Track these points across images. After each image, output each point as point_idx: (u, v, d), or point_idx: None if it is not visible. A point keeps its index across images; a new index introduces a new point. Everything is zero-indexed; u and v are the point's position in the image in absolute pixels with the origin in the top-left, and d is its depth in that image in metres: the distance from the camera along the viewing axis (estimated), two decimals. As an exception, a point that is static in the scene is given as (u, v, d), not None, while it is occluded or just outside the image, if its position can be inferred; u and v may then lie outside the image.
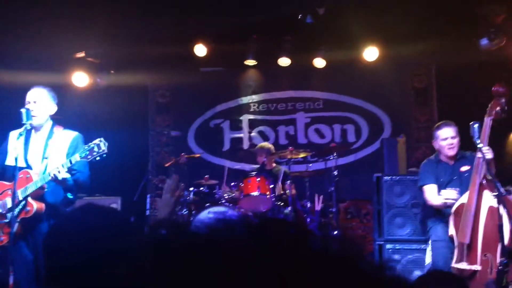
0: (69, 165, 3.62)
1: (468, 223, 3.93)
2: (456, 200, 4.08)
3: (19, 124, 3.76)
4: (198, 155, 7.04)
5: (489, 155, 3.96)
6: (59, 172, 3.58)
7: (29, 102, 3.83)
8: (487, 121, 4.02)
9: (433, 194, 4.40)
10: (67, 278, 1.39)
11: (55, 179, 3.60)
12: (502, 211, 3.65)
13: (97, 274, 1.37)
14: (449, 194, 4.15)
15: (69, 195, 3.82)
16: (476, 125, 3.92)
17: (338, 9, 6.02)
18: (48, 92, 3.93)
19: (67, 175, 3.64)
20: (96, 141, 3.62)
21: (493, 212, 3.78)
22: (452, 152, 4.39)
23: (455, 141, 4.37)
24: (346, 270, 0.67)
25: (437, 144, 4.47)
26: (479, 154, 3.94)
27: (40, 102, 3.85)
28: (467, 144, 4.33)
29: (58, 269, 1.41)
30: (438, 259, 4.31)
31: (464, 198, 4.05)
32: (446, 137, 4.37)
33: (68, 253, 1.39)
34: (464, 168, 4.37)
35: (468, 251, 3.92)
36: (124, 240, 1.43)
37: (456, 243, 4.02)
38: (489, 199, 3.86)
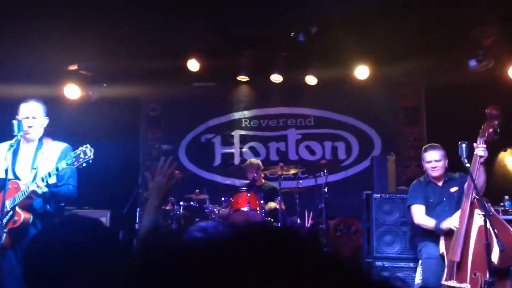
0: (55, 172, 3.64)
1: (459, 241, 3.96)
2: (451, 228, 4.09)
3: (6, 136, 3.76)
4: (187, 173, 6.98)
5: (481, 152, 3.99)
6: (38, 187, 3.59)
7: (27, 117, 3.84)
8: (480, 142, 4.07)
9: (420, 214, 4.51)
10: None
11: (34, 193, 3.61)
12: (490, 230, 3.68)
13: (74, 286, 1.36)
14: (451, 223, 4.14)
15: (48, 207, 3.81)
16: (464, 145, 3.98)
17: (330, 28, 6.10)
18: (43, 106, 3.98)
19: (45, 189, 3.64)
20: (83, 147, 3.64)
21: (482, 232, 3.81)
22: (435, 174, 4.56)
23: (439, 164, 4.54)
24: (336, 271, 0.68)
25: (424, 166, 4.66)
26: (478, 153, 4.00)
27: (38, 117, 3.90)
28: (456, 163, 4.38)
29: (35, 279, 1.40)
30: (429, 276, 4.33)
31: (455, 218, 4.09)
32: (431, 160, 4.56)
33: (46, 263, 1.39)
34: (453, 189, 4.46)
35: (458, 269, 3.94)
36: (105, 252, 1.42)
37: (446, 261, 4.05)
38: (479, 218, 3.90)
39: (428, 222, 4.39)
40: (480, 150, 4.03)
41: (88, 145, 3.64)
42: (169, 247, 0.72)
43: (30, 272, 1.44)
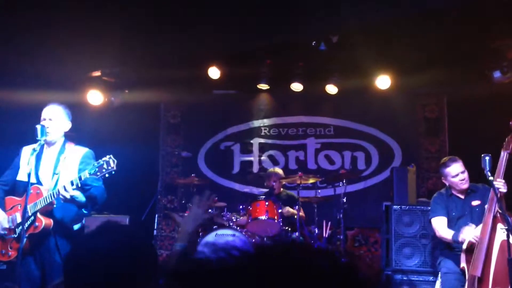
0: (78, 181, 3.62)
1: (480, 256, 3.88)
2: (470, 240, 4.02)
3: (32, 141, 3.81)
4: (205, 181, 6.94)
5: (502, 189, 3.93)
6: (65, 190, 3.56)
7: (44, 119, 3.88)
8: (504, 155, 3.97)
9: (442, 227, 4.39)
10: None
11: (64, 198, 3.59)
12: (501, 233, 3.61)
13: None
14: (468, 234, 4.08)
15: (84, 211, 3.83)
16: (487, 158, 3.89)
17: (352, 38, 6.07)
18: (64, 109, 3.98)
19: (76, 193, 3.62)
20: (106, 158, 3.60)
21: (504, 247, 3.73)
22: (466, 185, 4.41)
23: (466, 175, 4.40)
24: None
25: (448, 181, 4.49)
26: (495, 186, 3.92)
27: (55, 119, 3.90)
28: (479, 176, 4.29)
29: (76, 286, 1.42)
30: None
31: (477, 231, 4.01)
32: (457, 173, 4.39)
33: (85, 273, 1.41)
34: (475, 203, 4.36)
35: (479, 285, 3.86)
36: (141, 261, 1.45)
37: (467, 275, 3.97)
38: (502, 233, 3.82)
39: (448, 234, 4.29)
40: (500, 185, 3.94)
41: (111, 156, 3.61)
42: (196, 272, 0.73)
43: (70, 282, 1.47)
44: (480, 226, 4.01)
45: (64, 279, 1.47)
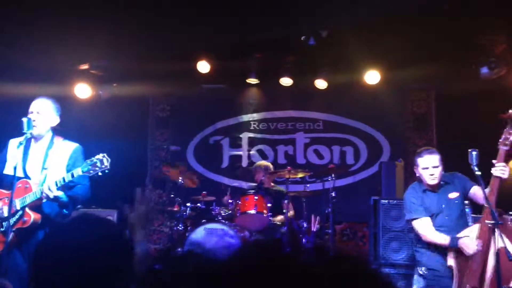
0: (70, 178, 3.59)
1: (476, 266, 3.66)
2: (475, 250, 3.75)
3: (19, 134, 3.76)
4: (195, 181, 6.79)
5: (505, 175, 3.71)
6: (49, 189, 3.54)
7: (32, 112, 3.84)
8: (502, 150, 3.83)
9: (430, 230, 4.04)
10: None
11: (46, 197, 3.58)
12: (498, 239, 3.57)
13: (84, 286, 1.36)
14: (469, 245, 3.78)
15: (65, 211, 3.78)
16: (474, 153, 3.78)
17: (341, 33, 6.08)
18: (52, 103, 3.94)
19: (59, 193, 3.60)
20: (100, 156, 3.57)
21: (501, 255, 3.58)
22: (433, 182, 4.07)
23: (437, 170, 4.05)
24: None
25: (418, 172, 4.15)
26: (494, 174, 3.74)
27: (43, 113, 3.86)
28: (466, 171, 4.24)
29: (45, 280, 1.40)
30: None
31: (467, 232, 3.89)
32: (427, 166, 4.05)
33: (56, 264, 1.38)
34: (453, 195, 4.11)
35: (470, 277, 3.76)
36: (116, 254, 1.42)
37: (455, 273, 3.85)
38: (499, 241, 3.60)
39: (440, 239, 3.96)
40: (499, 171, 3.70)
41: (105, 154, 3.57)
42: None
43: (39, 273, 1.44)
44: (474, 231, 3.83)
45: (33, 269, 1.44)
